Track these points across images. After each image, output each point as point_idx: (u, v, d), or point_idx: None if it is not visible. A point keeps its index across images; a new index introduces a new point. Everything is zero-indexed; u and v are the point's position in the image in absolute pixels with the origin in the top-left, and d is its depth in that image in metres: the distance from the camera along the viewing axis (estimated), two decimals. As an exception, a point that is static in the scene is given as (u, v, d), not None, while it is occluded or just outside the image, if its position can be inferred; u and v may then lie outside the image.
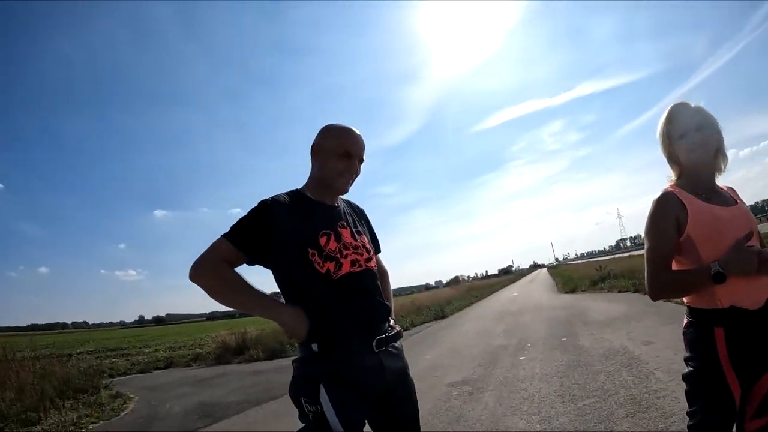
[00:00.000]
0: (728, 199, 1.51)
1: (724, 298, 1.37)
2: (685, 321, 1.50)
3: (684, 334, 1.48)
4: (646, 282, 1.50)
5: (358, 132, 1.57)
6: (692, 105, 1.51)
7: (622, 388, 3.90)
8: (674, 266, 1.48)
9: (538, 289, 24.98)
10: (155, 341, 22.38)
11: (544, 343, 6.86)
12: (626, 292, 12.24)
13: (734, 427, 1.41)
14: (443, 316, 16.15)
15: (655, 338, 5.67)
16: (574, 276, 24.02)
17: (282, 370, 7.96)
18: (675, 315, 6.65)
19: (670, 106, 1.54)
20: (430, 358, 7.25)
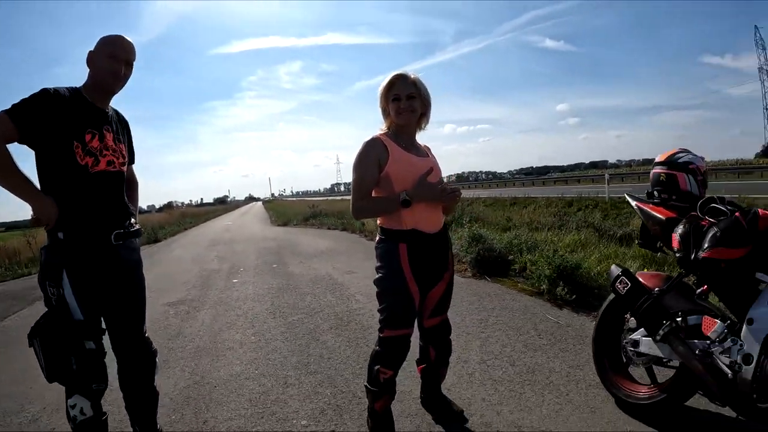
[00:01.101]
0: (423, 152, 2.00)
1: (408, 222, 1.86)
2: (377, 238, 1.97)
3: (376, 248, 1.97)
4: (351, 205, 1.92)
5: (126, 38, 1.77)
6: (411, 76, 1.88)
7: (327, 307, 4.54)
8: (374, 194, 1.90)
9: (251, 220, 25.77)
10: None
11: (256, 268, 7.37)
12: (335, 229, 13.14)
13: (414, 322, 1.97)
14: (156, 240, 15.30)
15: (357, 269, 6.48)
16: (288, 211, 25.82)
17: None
18: (374, 252, 8.10)
19: (392, 73, 1.91)
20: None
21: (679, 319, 1.95)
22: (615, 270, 2.27)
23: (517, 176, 58.34)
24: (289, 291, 5.45)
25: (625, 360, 2.30)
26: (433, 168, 1.91)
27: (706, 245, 1.82)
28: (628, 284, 2.16)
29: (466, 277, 5.34)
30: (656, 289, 2.09)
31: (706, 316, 1.91)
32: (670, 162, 2.17)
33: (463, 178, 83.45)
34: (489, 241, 5.75)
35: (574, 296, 3.95)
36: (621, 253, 5.41)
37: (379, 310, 1.94)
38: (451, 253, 2.12)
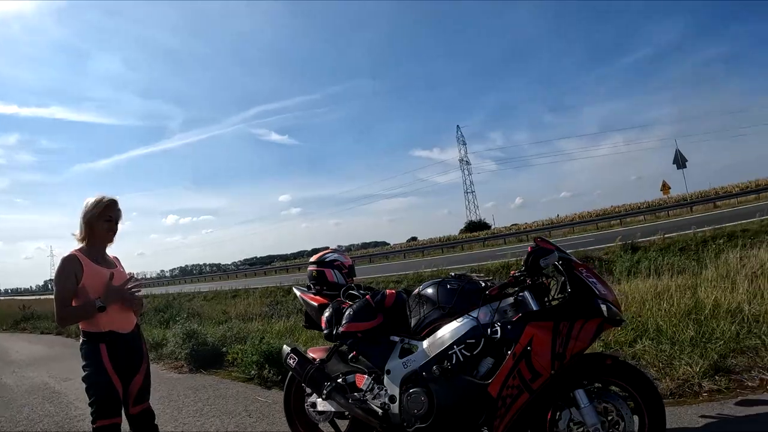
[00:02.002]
0: (112, 263, 2.40)
1: (104, 325, 2.21)
2: (81, 340, 2.26)
3: (80, 349, 2.26)
4: (55, 314, 2.22)
5: (116, 201, 2.36)
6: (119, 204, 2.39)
7: (46, 417, 4.38)
8: (74, 303, 2.20)
9: None
10: None
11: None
12: (49, 333, 12.09)
13: (122, 411, 2.23)
14: None
15: (72, 375, 5.90)
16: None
17: None
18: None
19: (109, 197, 2.33)
20: None
21: (340, 379, 2.62)
22: (286, 348, 2.89)
23: (241, 267, 58.19)
24: (2, 405, 5.01)
25: (313, 420, 2.78)
26: (121, 276, 2.33)
27: (343, 322, 2.50)
28: (296, 359, 2.76)
29: (182, 373, 5.43)
30: (319, 359, 2.74)
31: (358, 374, 2.56)
32: (320, 261, 3.03)
33: (187, 272, 77.09)
34: (202, 335, 6.03)
35: (280, 377, 4.50)
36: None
37: (89, 404, 2.21)
38: (146, 346, 2.52)
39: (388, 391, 2.38)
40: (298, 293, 3.18)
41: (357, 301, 2.63)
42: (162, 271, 79.73)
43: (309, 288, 3.09)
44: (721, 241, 9.54)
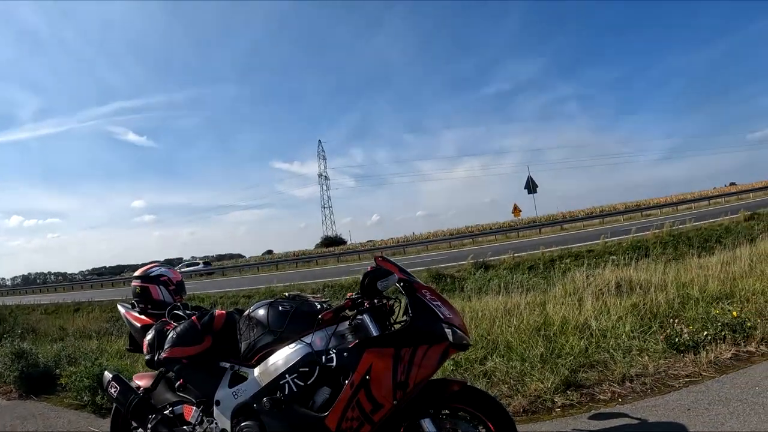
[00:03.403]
0: None
1: None
2: None
3: None
4: None
5: None
6: None
7: None
8: None
9: None
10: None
11: None
12: None
13: None
14: None
15: None
16: None
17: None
18: None
19: None
20: None
21: (168, 410, 2.31)
22: (107, 375, 2.53)
23: (88, 277, 52.33)
24: None
25: None
26: None
27: (165, 346, 2.18)
28: (117, 387, 2.44)
29: (11, 399, 4.78)
30: (144, 387, 2.43)
31: (185, 405, 2.28)
32: (144, 276, 2.69)
33: (30, 281, 67.97)
34: (33, 355, 5.16)
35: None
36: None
37: None
38: None
39: (219, 425, 2.09)
40: (122, 311, 2.78)
41: (182, 322, 2.29)
42: (2, 279, 69.53)
43: (133, 306, 2.72)
44: (568, 260, 10.51)
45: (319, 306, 2.15)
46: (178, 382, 2.31)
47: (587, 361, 3.48)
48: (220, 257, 62.34)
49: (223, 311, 2.35)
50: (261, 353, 2.07)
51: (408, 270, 2.07)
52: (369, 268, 1.99)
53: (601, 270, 5.85)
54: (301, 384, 1.92)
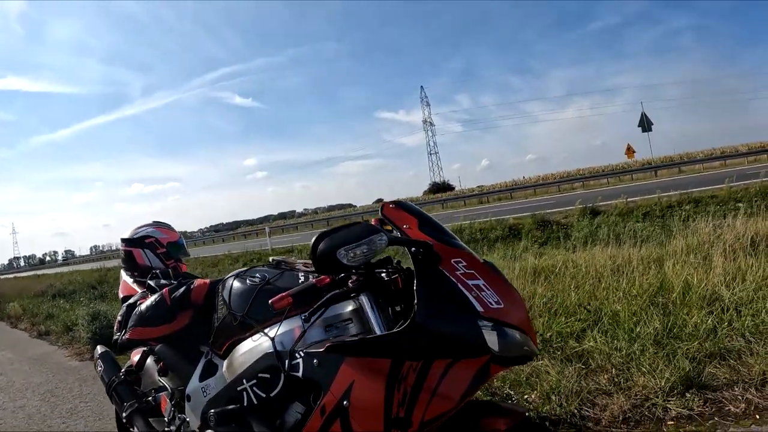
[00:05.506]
0: None
1: None
2: None
3: None
4: None
5: None
6: None
7: None
8: None
9: None
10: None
11: None
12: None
13: None
14: None
15: None
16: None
17: None
18: None
19: None
20: None
21: (150, 397, 1.92)
22: (98, 350, 2.25)
23: (207, 233, 57.05)
24: None
25: None
26: None
27: (128, 325, 1.75)
28: (103, 366, 2.14)
29: (82, 360, 4.87)
30: (129, 367, 2.10)
31: (163, 395, 1.87)
32: (129, 239, 2.24)
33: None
34: (108, 317, 5.34)
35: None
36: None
37: None
38: None
39: (191, 425, 1.62)
40: (122, 277, 2.36)
41: (154, 296, 1.78)
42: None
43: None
44: (688, 206, 8.70)
45: (303, 278, 1.47)
46: (159, 366, 1.94)
47: (716, 349, 2.45)
48: (331, 207, 63.34)
49: (207, 280, 1.79)
50: (228, 342, 1.50)
51: (463, 224, 1.39)
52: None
53: (732, 220, 4.45)
54: (262, 395, 1.32)
